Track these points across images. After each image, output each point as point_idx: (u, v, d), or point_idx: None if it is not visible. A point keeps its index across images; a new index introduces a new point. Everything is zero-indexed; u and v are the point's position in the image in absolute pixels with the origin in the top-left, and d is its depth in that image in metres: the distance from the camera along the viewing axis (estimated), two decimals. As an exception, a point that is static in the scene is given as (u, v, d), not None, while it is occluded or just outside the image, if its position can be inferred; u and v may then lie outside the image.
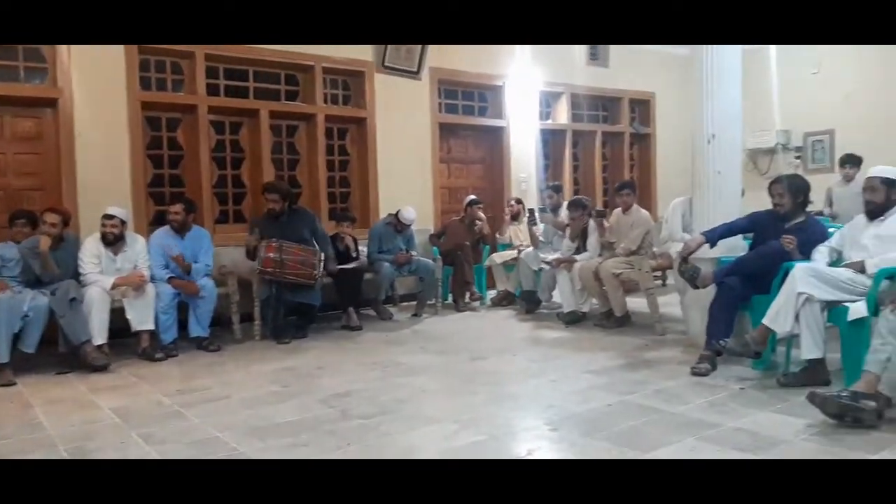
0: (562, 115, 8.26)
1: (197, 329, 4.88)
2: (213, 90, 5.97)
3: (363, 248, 6.05)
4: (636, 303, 5.52)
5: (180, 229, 5.04)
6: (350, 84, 6.78)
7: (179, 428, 3.16)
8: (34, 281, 4.45)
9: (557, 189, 6.62)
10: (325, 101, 6.55)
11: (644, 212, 5.56)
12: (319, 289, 5.31)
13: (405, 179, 6.87)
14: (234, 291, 5.17)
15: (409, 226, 6.17)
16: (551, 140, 8.24)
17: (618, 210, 5.61)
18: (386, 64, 6.70)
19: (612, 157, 8.91)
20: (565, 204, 6.24)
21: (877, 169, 3.64)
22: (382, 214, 6.48)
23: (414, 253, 6.16)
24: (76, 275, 4.60)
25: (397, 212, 6.11)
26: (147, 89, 5.67)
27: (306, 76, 6.45)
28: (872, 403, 2.77)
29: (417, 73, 6.92)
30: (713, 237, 4.11)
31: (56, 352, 4.40)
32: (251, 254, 5.18)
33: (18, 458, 2.77)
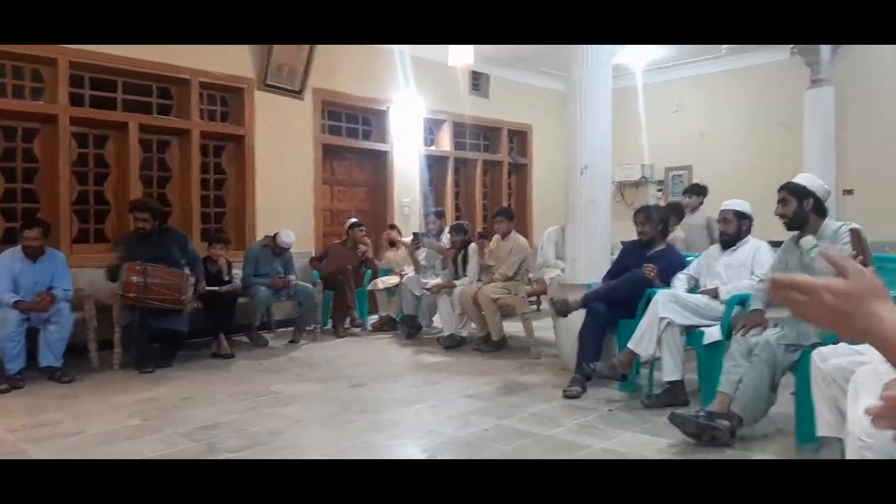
0: (445, 143, 8.40)
1: (48, 358, 4.46)
2: (76, 100, 5.57)
3: (237, 272, 5.82)
4: (512, 327, 5.65)
5: (34, 254, 4.60)
6: (228, 100, 6.55)
7: (20, 469, 2.85)
8: None
9: (440, 214, 6.69)
10: (202, 117, 6.29)
11: (522, 238, 5.73)
12: (188, 314, 5.02)
13: (285, 200, 6.70)
14: (91, 317, 4.78)
15: (288, 249, 6.00)
16: (434, 166, 8.35)
17: (497, 236, 5.75)
18: (267, 82, 6.54)
19: (491, 185, 9.15)
20: (447, 229, 6.32)
21: (729, 202, 3.95)
22: (259, 236, 6.27)
23: (292, 277, 5.99)
24: None
25: (275, 234, 5.93)
26: (2, 96, 5.20)
27: (181, 90, 6.17)
28: (726, 423, 2.97)
29: (300, 93, 6.81)
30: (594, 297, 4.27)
31: None
32: (113, 276, 4.83)
33: None
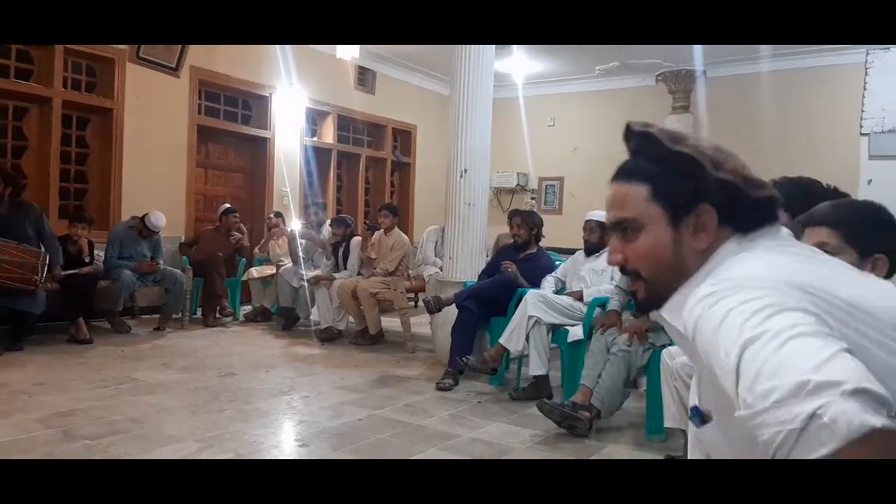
0: (328, 135, 8.33)
1: None
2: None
3: (99, 253, 5.47)
4: (390, 322, 5.73)
5: None
6: (97, 70, 6.14)
7: None
8: None
9: (322, 206, 6.63)
10: (66, 86, 5.85)
11: (404, 235, 5.82)
12: (42, 295, 4.67)
13: (155, 181, 6.37)
14: (-73, 294, 4.34)
15: (157, 232, 5.72)
16: (316, 158, 8.25)
17: (380, 231, 5.80)
18: (141, 55, 6.20)
19: (374, 182, 9.19)
20: (328, 222, 6.28)
21: (592, 213, 4.28)
22: (125, 216, 5.93)
23: (160, 261, 5.72)
24: None
25: (144, 216, 5.63)
26: None
27: (44, 54, 5.71)
28: (587, 414, 3.22)
29: (176, 69, 6.51)
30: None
31: None
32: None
33: None
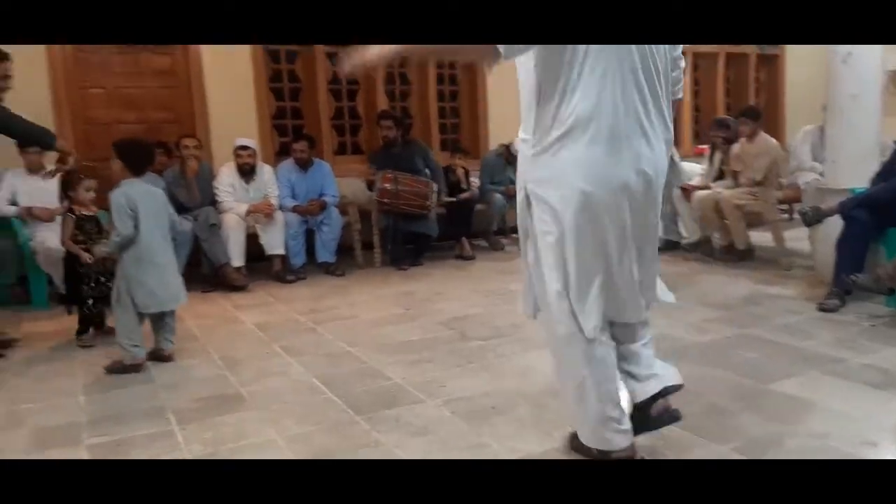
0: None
1: (324, 254, 5.21)
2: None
3: (474, 180, 6.14)
4: (760, 237, 5.31)
5: (304, 165, 5.31)
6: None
7: (314, 342, 3.45)
8: (177, 208, 4.81)
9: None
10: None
11: (772, 140, 5.24)
12: (434, 219, 5.48)
13: (516, 109, 6.78)
14: (355, 220, 5.44)
15: (520, 157, 6.16)
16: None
17: (742, 139, 5.32)
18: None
19: (735, 81, 8.39)
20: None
21: None
22: (492, 145, 6.50)
23: (524, 184, 6.17)
24: (212, 202, 4.97)
25: (509, 143, 6.11)
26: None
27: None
28: None
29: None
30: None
31: (200, 273, 4.84)
32: (372, 186, 5.43)
33: (179, 361, 3.15)
